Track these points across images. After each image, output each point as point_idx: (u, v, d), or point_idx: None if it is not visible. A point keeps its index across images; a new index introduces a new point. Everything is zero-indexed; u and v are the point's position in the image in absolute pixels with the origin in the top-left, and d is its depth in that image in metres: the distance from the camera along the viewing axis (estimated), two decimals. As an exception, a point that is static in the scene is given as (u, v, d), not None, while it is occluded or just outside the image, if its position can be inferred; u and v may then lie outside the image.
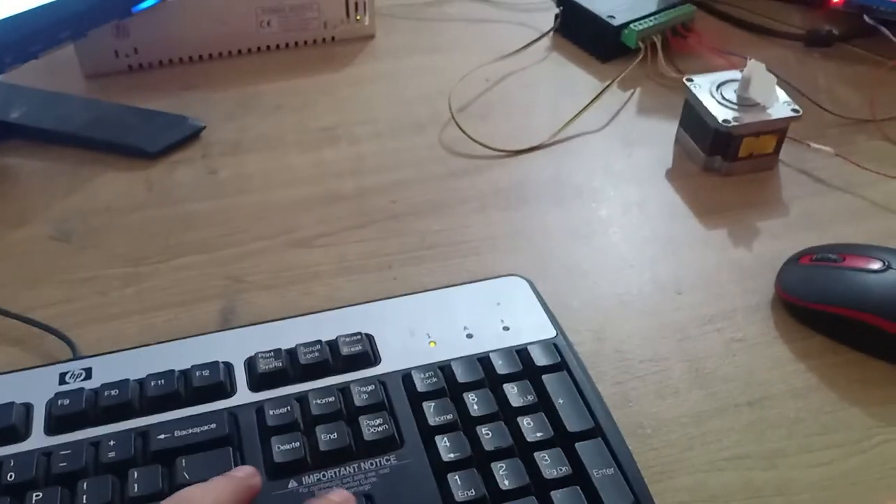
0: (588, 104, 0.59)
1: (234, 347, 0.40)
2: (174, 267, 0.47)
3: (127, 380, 0.38)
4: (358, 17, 0.68)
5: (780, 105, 0.53)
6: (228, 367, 0.39)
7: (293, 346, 0.40)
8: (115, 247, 0.48)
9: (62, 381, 0.38)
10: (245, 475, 0.33)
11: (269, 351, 0.39)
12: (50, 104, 0.57)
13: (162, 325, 0.43)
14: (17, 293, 0.45)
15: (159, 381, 0.38)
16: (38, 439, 0.36)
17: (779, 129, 0.53)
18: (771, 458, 0.39)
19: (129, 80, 0.62)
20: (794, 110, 0.53)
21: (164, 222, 0.50)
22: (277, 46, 0.66)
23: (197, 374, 0.38)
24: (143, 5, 0.56)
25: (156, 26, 0.61)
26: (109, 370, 0.39)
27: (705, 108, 0.53)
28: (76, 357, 0.41)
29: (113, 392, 0.37)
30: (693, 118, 0.55)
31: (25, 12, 0.48)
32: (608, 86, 0.62)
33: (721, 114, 0.52)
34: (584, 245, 0.50)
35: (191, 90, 0.61)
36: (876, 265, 0.43)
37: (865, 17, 0.64)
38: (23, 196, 0.52)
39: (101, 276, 0.46)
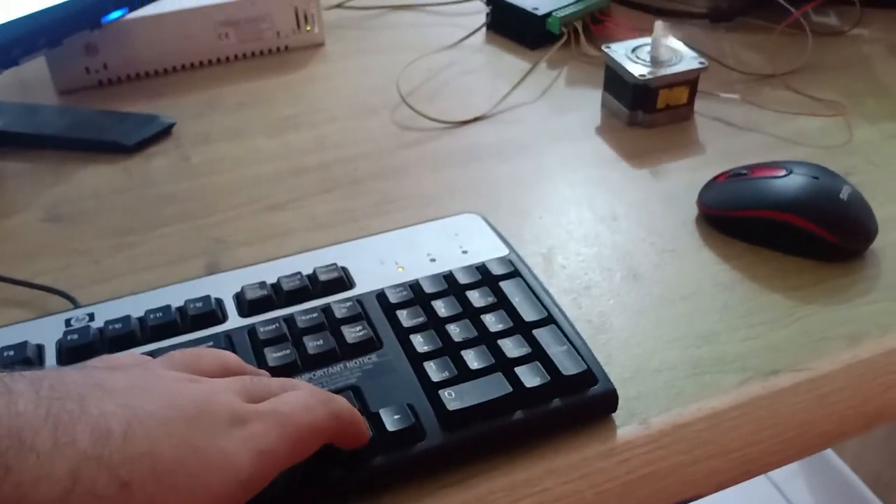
0: (522, 78, 0.66)
1: (222, 286, 0.45)
2: (159, 235, 0.52)
3: (128, 315, 0.42)
4: (308, 28, 0.74)
5: (689, 59, 0.60)
6: (219, 300, 0.44)
7: (276, 279, 0.45)
8: (104, 223, 0.52)
9: (68, 325, 0.42)
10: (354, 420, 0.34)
11: (255, 283, 0.44)
12: (28, 113, 0.61)
13: (153, 280, 0.48)
14: (17, 266, 0.49)
15: (157, 314, 0.42)
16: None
17: (689, 80, 0.60)
18: (705, 337, 0.44)
19: (100, 94, 0.67)
20: (700, 63, 0.60)
21: (147, 201, 0.55)
22: (236, 57, 0.72)
23: (191, 306, 0.43)
24: (111, 17, 0.61)
25: (123, 43, 0.67)
26: (110, 313, 0.43)
27: (623, 68, 0.60)
28: (78, 307, 0.45)
29: (116, 325, 0.41)
30: (614, 80, 0.62)
31: (7, 23, 0.53)
32: (538, 63, 0.69)
33: (637, 70, 0.59)
34: (530, 191, 0.55)
35: (158, 98, 0.66)
36: (780, 172, 0.50)
37: (759, -9, 0.73)
38: (12, 191, 0.56)
39: (92, 247, 0.51)
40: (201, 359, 0.34)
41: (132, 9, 0.63)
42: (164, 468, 0.27)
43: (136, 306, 0.43)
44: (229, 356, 0.36)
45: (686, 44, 0.62)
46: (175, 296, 0.44)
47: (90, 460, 0.26)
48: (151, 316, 0.42)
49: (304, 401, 0.32)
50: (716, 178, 0.53)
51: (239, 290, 0.44)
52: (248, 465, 0.29)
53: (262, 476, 0.30)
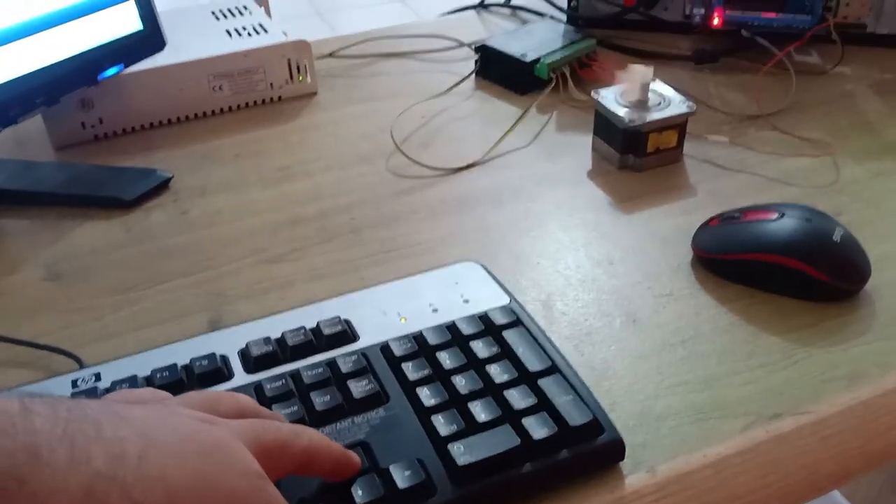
0: (514, 124, 0.67)
1: (226, 343, 0.45)
2: (160, 291, 0.52)
3: (135, 375, 0.42)
4: (301, 78, 0.75)
5: (677, 104, 0.62)
6: (224, 357, 0.44)
7: (280, 334, 0.45)
8: (104, 281, 0.53)
9: (74, 385, 0.42)
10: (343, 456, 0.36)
11: (259, 339, 0.44)
12: (26, 170, 0.62)
13: (156, 337, 0.48)
14: (18, 325, 0.49)
15: (164, 373, 0.42)
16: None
17: (678, 124, 0.61)
18: (706, 381, 0.45)
19: (96, 148, 0.67)
20: (688, 106, 0.61)
21: (146, 256, 0.55)
22: (230, 108, 0.73)
23: (197, 364, 0.43)
24: (108, 73, 0.62)
25: (118, 97, 0.67)
26: (116, 372, 0.43)
27: (613, 113, 0.61)
28: (83, 367, 0.45)
29: (123, 385, 0.41)
30: (604, 124, 0.63)
31: (5, 83, 0.54)
32: (529, 108, 0.70)
33: (627, 115, 0.60)
34: (525, 236, 0.56)
35: (154, 150, 0.67)
36: (773, 215, 0.51)
37: (743, 32, 0.75)
38: (11, 249, 0.56)
39: (93, 305, 0.51)
40: (219, 402, 0.35)
41: (128, 65, 0.64)
42: (175, 495, 0.28)
43: (141, 365, 0.43)
44: (246, 400, 0.36)
45: (673, 87, 0.64)
46: (180, 353, 0.44)
47: (104, 478, 0.27)
48: (158, 375, 0.42)
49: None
50: (709, 221, 0.54)
51: (244, 345, 0.44)
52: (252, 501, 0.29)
53: None
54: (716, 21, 0.76)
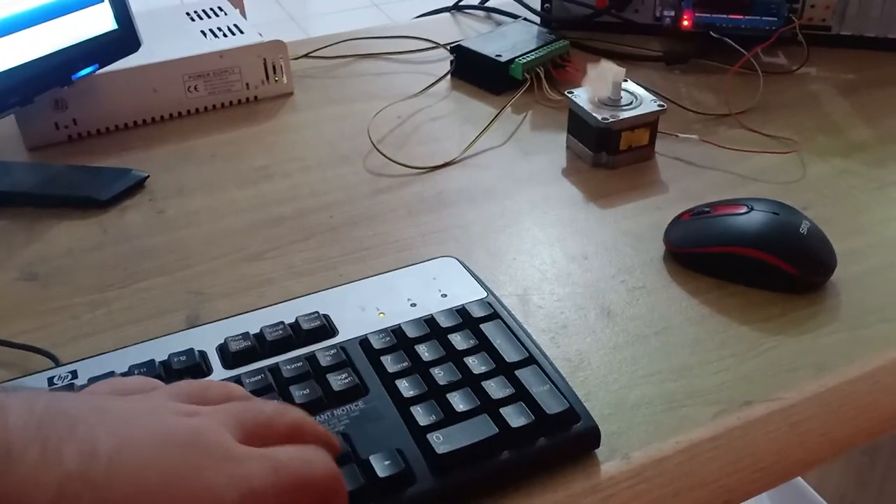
0: (489, 124, 0.68)
1: (204, 339, 0.45)
2: (137, 290, 0.52)
3: (112, 371, 0.42)
4: (276, 79, 0.75)
5: (648, 103, 0.63)
6: (202, 353, 0.44)
7: (258, 330, 0.45)
8: (80, 280, 0.52)
9: (51, 383, 0.42)
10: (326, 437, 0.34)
11: (238, 334, 0.44)
12: (0, 171, 0.61)
13: (134, 335, 0.48)
14: (-6, 326, 0.49)
15: (142, 369, 0.42)
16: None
17: (649, 122, 0.63)
18: (679, 371, 0.46)
19: (70, 149, 0.67)
20: (659, 105, 0.62)
21: (123, 256, 0.55)
22: (206, 108, 0.73)
23: (175, 359, 0.43)
24: (82, 73, 0.62)
25: (92, 97, 0.67)
26: (93, 370, 0.43)
27: (587, 112, 0.62)
28: (60, 365, 0.45)
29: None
30: (578, 123, 0.64)
31: (-21, 83, 0.54)
32: (504, 108, 0.71)
33: (600, 114, 0.62)
34: (502, 232, 0.57)
35: (129, 151, 0.67)
36: (742, 209, 0.52)
37: (712, 34, 0.76)
38: (-16, 251, 0.56)
39: (70, 304, 0.50)
40: (208, 391, 0.34)
41: (103, 65, 0.64)
42: (147, 495, 0.27)
43: (118, 362, 0.43)
44: (236, 389, 0.36)
45: (644, 87, 0.65)
46: (157, 350, 0.44)
47: (74, 479, 0.26)
48: (135, 371, 0.42)
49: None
50: (680, 216, 0.55)
51: (222, 341, 0.44)
52: (229, 499, 0.28)
53: None
54: (685, 23, 0.78)
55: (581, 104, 0.63)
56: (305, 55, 0.81)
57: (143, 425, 0.30)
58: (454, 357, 0.43)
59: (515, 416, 0.39)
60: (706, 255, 0.52)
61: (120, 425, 0.29)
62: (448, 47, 0.80)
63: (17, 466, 0.26)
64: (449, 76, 0.78)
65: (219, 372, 0.43)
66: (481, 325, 0.45)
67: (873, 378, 0.45)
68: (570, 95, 0.64)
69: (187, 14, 0.80)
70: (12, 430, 0.27)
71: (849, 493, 1.20)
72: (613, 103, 0.63)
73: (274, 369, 0.42)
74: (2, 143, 0.66)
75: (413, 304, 0.47)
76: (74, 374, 0.43)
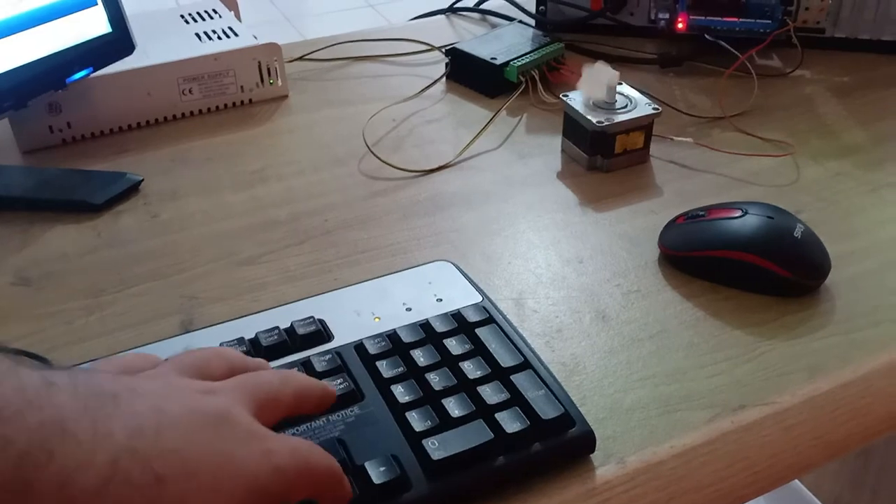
0: (484, 127, 0.68)
1: (198, 344, 0.44)
2: (131, 294, 0.52)
3: (107, 377, 0.42)
4: (272, 81, 0.75)
5: (643, 106, 0.63)
6: (198, 358, 0.44)
7: (253, 335, 0.45)
8: (74, 285, 0.52)
9: (45, 389, 0.42)
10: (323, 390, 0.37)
11: (233, 339, 0.44)
12: (-7, 175, 0.61)
13: (128, 340, 0.48)
14: (-13, 331, 0.48)
15: (137, 375, 0.42)
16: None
17: (644, 126, 0.63)
18: (673, 375, 0.46)
19: (64, 152, 0.67)
20: (654, 108, 0.63)
21: (117, 261, 0.55)
22: (200, 111, 0.73)
23: (170, 365, 0.43)
24: (76, 77, 0.61)
25: (86, 101, 0.67)
26: (88, 375, 0.43)
27: (582, 115, 0.62)
28: (54, 371, 0.45)
29: (96, 388, 0.41)
30: (573, 127, 0.64)
31: (-28, 86, 0.54)
32: (499, 111, 0.71)
33: (595, 117, 0.62)
34: (497, 236, 0.57)
35: (124, 154, 0.67)
36: (736, 213, 0.52)
37: (706, 36, 0.76)
38: (-22, 255, 0.56)
39: (64, 309, 0.50)
40: (209, 362, 0.36)
41: (97, 68, 0.63)
42: (193, 466, 0.29)
43: (113, 367, 0.43)
44: (233, 355, 0.37)
45: (639, 90, 0.65)
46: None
47: (126, 452, 0.27)
48: (130, 377, 0.42)
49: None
50: (675, 219, 0.55)
51: (217, 346, 0.44)
52: (263, 476, 0.30)
53: (271, 492, 0.30)
54: (680, 25, 0.78)
55: (576, 107, 0.63)
56: (300, 58, 0.81)
57: (174, 402, 0.31)
58: (449, 362, 0.43)
59: (511, 422, 0.39)
60: (701, 259, 0.52)
61: (156, 400, 0.30)
62: (443, 50, 0.80)
63: (71, 440, 0.27)
64: (444, 79, 0.78)
65: (214, 377, 0.43)
66: (476, 330, 0.45)
67: (867, 382, 0.45)
68: (565, 98, 0.64)
69: (181, 16, 0.80)
70: (64, 405, 0.27)
71: (844, 494, 1.20)
72: (608, 106, 0.63)
73: (269, 374, 0.42)
74: (-5, 147, 0.66)
75: (408, 309, 0.47)
76: (69, 379, 0.43)
